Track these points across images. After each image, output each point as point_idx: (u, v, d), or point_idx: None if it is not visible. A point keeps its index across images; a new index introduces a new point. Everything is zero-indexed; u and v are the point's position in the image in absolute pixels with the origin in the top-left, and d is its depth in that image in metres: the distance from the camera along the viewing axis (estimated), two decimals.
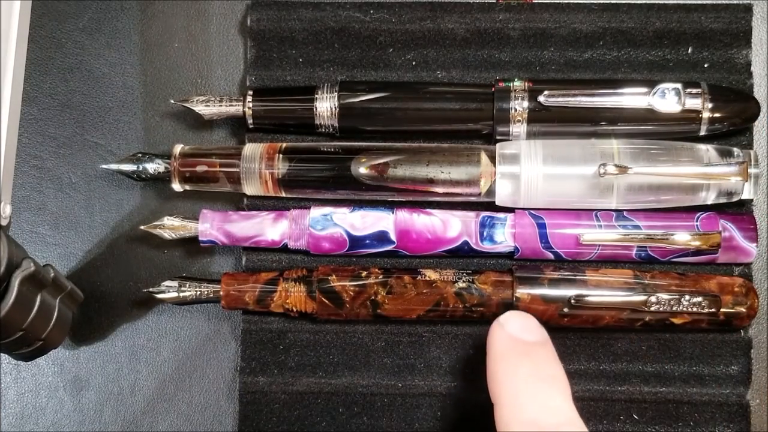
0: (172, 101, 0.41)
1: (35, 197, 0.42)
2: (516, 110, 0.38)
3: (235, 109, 0.40)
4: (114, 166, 0.40)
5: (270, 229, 0.39)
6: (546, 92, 0.38)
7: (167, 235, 0.40)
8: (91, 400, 0.42)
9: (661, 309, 0.37)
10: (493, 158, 0.38)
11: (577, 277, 0.38)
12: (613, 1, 0.41)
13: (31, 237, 0.42)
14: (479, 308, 0.38)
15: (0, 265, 0.32)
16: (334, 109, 0.39)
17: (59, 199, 0.42)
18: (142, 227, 0.40)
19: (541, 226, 0.38)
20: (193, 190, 0.40)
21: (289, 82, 0.41)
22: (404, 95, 0.40)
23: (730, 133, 0.39)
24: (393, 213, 0.39)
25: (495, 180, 0.38)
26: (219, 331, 0.42)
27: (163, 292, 0.39)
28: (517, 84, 0.39)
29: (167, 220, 0.40)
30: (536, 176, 0.38)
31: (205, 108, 0.40)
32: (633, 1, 0.41)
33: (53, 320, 0.36)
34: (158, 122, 0.42)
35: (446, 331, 0.40)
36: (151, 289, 0.39)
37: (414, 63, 0.41)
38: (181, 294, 0.39)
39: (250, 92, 0.40)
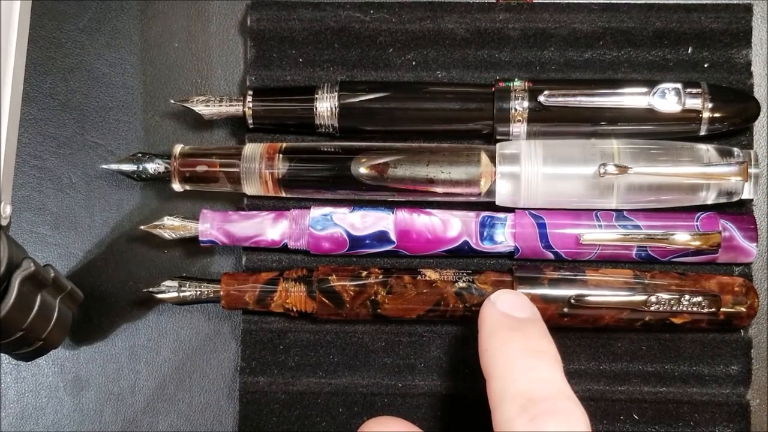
0: (172, 101, 0.41)
1: (35, 197, 0.42)
2: (516, 110, 0.38)
3: (235, 109, 0.40)
4: (114, 166, 0.40)
5: (270, 229, 0.39)
6: (546, 92, 0.38)
7: (167, 235, 0.40)
8: (91, 400, 0.42)
9: (661, 309, 0.37)
10: (493, 158, 0.38)
11: (577, 277, 0.38)
12: (613, 1, 0.41)
13: (31, 237, 0.42)
14: (479, 308, 0.38)
15: (0, 265, 0.32)
16: (334, 109, 0.39)
17: (59, 199, 0.42)
18: (142, 227, 0.40)
19: (541, 226, 0.38)
20: (193, 190, 0.40)
21: (289, 82, 0.41)
22: (404, 95, 0.40)
23: (730, 133, 0.39)
24: (393, 213, 0.39)
25: (495, 180, 0.38)
26: (219, 331, 0.42)
27: (163, 292, 0.39)
28: (517, 84, 0.39)
29: (167, 220, 0.40)
30: (536, 176, 0.38)
31: (205, 108, 0.40)
32: (633, 1, 0.41)
33: (53, 320, 0.36)
34: (158, 122, 0.42)
35: (446, 331, 0.40)
36: (151, 289, 0.39)
37: (414, 63, 0.41)
38: (181, 294, 0.39)
39: (250, 92, 0.40)
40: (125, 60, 0.43)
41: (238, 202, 0.41)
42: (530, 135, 0.39)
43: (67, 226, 0.42)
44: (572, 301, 0.37)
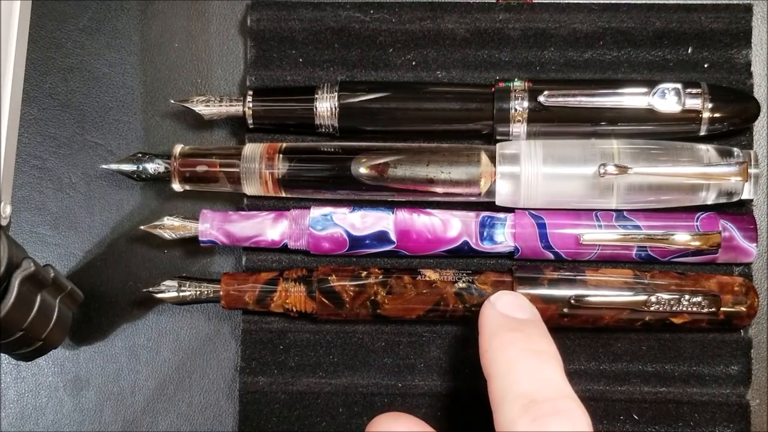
0: (172, 101, 0.41)
1: (35, 197, 0.42)
2: (516, 110, 0.38)
3: (235, 109, 0.40)
4: (114, 166, 0.40)
5: (270, 229, 0.39)
6: (546, 92, 0.38)
7: (167, 235, 0.40)
8: (91, 400, 0.42)
9: (661, 309, 0.37)
10: (493, 158, 0.38)
11: (577, 277, 0.38)
12: (613, 1, 0.41)
13: (31, 237, 0.42)
14: (479, 308, 0.38)
15: (0, 265, 0.32)
16: (334, 109, 0.39)
17: (59, 199, 0.42)
18: (142, 227, 0.40)
19: (541, 226, 0.38)
20: (193, 190, 0.40)
21: (289, 82, 0.41)
22: (404, 95, 0.40)
23: (730, 133, 0.39)
24: (393, 213, 0.39)
25: (495, 180, 0.38)
26: (219, 331, 0.42)
27: (162, 291, 0.39)
28: (517, 84, 0.39)
29: (167, 220, 0.40)
30: (536, 176, 0.38)
31: (205, 108, 0.40)
32: (633, 1, 0.41)
33: (53, 320, 0.36)
34: (158, 122, 0.42)
35: (446, 331, 0.40)
36: (151, 289, 0.39)
37: (414, 63, 0.41)
38: (181, 294, 0.39)
39: (250, 92, 0.40)
40: (125, 60, 0.43)
41: (238, 202, 0.41)
42: (530, 135, 0.39)
43: (67, 226, 0.42)
44: (572, 301, 0.37)
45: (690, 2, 0.41)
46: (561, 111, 0.38)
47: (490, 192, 0.38)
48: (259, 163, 0.39)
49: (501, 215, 0.39)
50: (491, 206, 0.39)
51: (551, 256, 0.39)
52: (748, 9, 0.40)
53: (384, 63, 0.41)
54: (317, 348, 0.40)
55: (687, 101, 0.38)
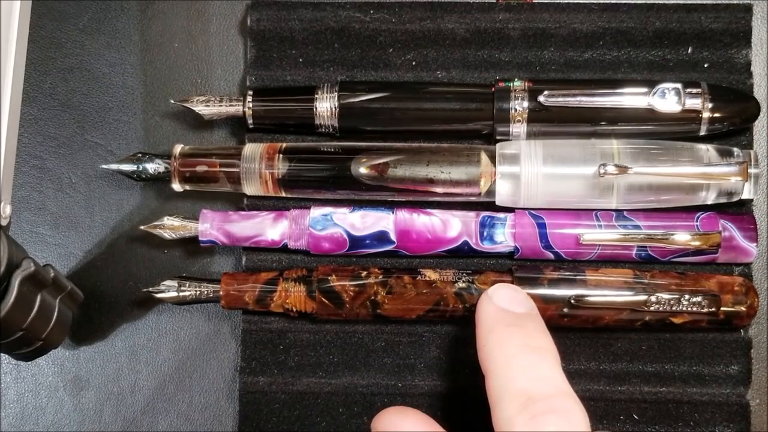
0: (172, 101, 0.41)
1: (35, 197, 0.42)
2: (516, 110, 0.38)
3: (235, 109, 0.40)
4: (114, 166, 0.40)
5: (270, 229, 0.39)
6: (546, 92, 0.38)
7: (167, 235, 0.40)
8: (91, 400, 0.42)
9: (661, 309, 0.37)
10: (493, 158, 0.38)
11: (577, 277, 0.38)
12: (613, 1, 0.41)
13: (31, 237, 0.42)
14: None
15: (0, 265, 0.32)
16: (334, 109, 0.39)
17: (59, 199, 0.42)
18: (142, 227, 0.40)
19: (541, 226, 0.38)
20: (193, 190, 0.40)
21: (289, 82, 0.41)
22: (404, 95, 0.40)
23: (730, 133, 0.39)
24: (393, 213, 0.39)
25: (495, 180, 0.38)
26: (219, 331, 0.42)
27: (162, 291, 0.39)
28: (517, 84, 0.39)
29: (167, 220, 0.40)
30: (536, 176, 0.38)
31: (205, 108, 0.40)
32: (633, 1, 0.41)
33: (53, 320, 0.36)
34: (158, 122, 0.42)
35: (446, 331, 0.40)
36: (150, 289, 0.39)
37: (414, 63, 0.41)
38: (181, 294, 0.39)
39: (250, 92, 0.40)
40: (125, 60, 0.43)
41: (238, 202, 0.41)
42: (530, 135, 0.39)
43: (67, 226, 0.42)
44: (572, 301, 0.37)
45: (690, 2, 0.41)
46: (561, 111, 0.38)
47: (490, 192, 0.38)
48: (259, 163, 0.39)
49: (501, 215, 0.39)
50: (491, 206, 0.39)
51: (551, 256, 0.39)
52: (748, 9, 0.40)
53: (384, 63, 0.41)
54: (317, 348, 0.40)
55: (687, 101, 0.38)
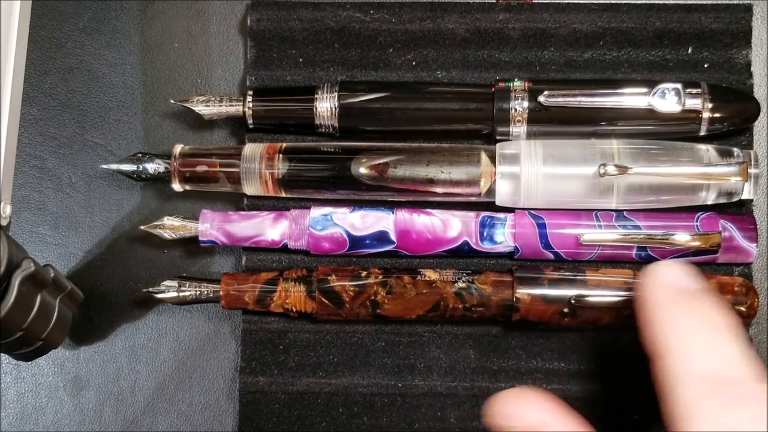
0: (172, 101, 0.41)
1: (35, 197, 0.42)
2: (516, 110, 0.38)
3: (235, 109, 0.40)
4: (114, 166, 0.40)
5: (270, 229, 0.39)
6: (546, 92, 0.38)
7: (167, 235, 0.40)
8: (91, 400, 0.42)
9: None
10: (493, 158, 0.38)
11: (577, 277, 0.38)
12: (613, 1, 0.41)
13: (31, 237, 0.42)
14: (479, 308, 0.38)
15: (0, 265, 0.32)
16: (334, 109, 0.39)
17: (59, 199, 0.42)
18: (142, 227, 0.40)
19: (541, 226, 0.38)
20: (193, 190, 0.40)
21: (289, 82, 0.41)
22: (404, 95, 0.40)
23: (730, 133, 0.39)
24: (393, 213, 0.39)
25: (495, 180, 0.38)
26: (219, 331, 0.42)
27: (162, 292, 0.39)
28: (517, 84, 0.39)
29: (167, 220, 0.40)
30: (536, 176, 0.38)
31: (205, 108, 0.40)
32: (633, 1, 0.41)
33: (53, 320, 0.36)
34: (158, 122, 0.42)
35: (446, 331, 0.40)
36: (150, 289, 0.39)
37: (414, 63, 0.41)
38: (181, 294, 0.39)
39: (250, 92, 0.40)
40: (125, 60, 0.43)
41: (238, 202, 0.41)
42: (530, 135, 0.39)
43: (67, 226, 0.42)
44: (572, 301, 0.37)
45: (690, 2, 0.41)
46: (561, 111, 0.38)
47: (490, 192, 0.38)
48: (259, 163, 0.39)
49: (501, 215, 0.39)
50: (491, 206, 0.39)
51: (551, 256, 0.39)
52: (748, 9, 0.40)
53: (384, 63, 0.41)
54: (317, 348, 0.40)
55: (687, 101, 0.38)
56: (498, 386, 0.39)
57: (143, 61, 0.43)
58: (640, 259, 0.38)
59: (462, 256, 0.39)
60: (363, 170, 0.38)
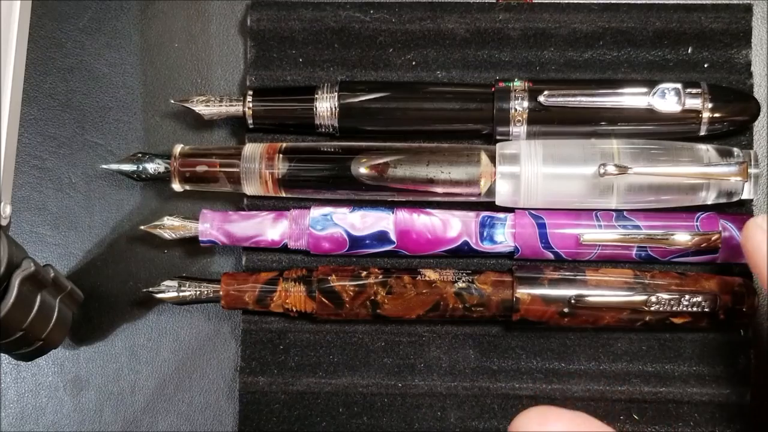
0: (172, 101, 0.41)
1: (35, 197, 0.42)
2: (516, 110, 0.38)
3: (235, 109, 0.40)
4: (114, 166, 0.40)
5: (270, 229, 0.39)
6: (546, 92, 0.38)
7: (167, 235, 0.40)
8: (91, 400, 0.42)
9: (661, 309, 0.37)
10: (493, 158, 0.38)
11: (577, 277, 0.38)
12: (613, 1, 0.41)
13: (31, 237, 0.42)
14: (479, 308, 0.38)
15: (0, 265, 0.32)
16: (334, 109, 0.39)
17: (59, 199, 0.42)
18: (142, 227, 0.40)
19: (541, 226, 0.38)
20: (193, 190, 0.40)
21: (289, 82, 0.41)
22: (404, 95, 0.40)
23: (730, 133, 0.39)
24: (393, 213, 0.39)
25: (495, 180, 0.38)
26: (219, 331, 0.42)
27: (162, 291, 0.39)
28: (517, 84, 0.39)
29: (167, 220, 0.40)
30: (536, 176, 0.38)
31: (205, 108, 0.40)
32: (633, 1, 0.41)
33: (53, 320, 0.36)
34: (158, 122, 0.42)
35: (446, 331, 0.40)
36: (150, 289, 0.39)
37: (414, 63, 0.41)
38: (181, 294, 0.39)
39: (250, 92, 0.40)
40: (125, 60, 0.43)
41: (238, 202, 0.41)
42: (530, 135, 0.39)
43: (67, 226, 0.42)
44: (572, 301, 0.37)
45: (690, 2, 0.41)
46: (561, 111, 0.38)
47: (490, 192, 0.38)
48: (259, 163, 0.39)
49: (501, 215, 0.39)
50: (491, 206, 0.39)
51: (551, 256, 0.39)
52: (748, 9, 0.40)
53: (384, 63, 0.41)
54: (317, 348, 0.40)
55: (687, 101, 0.38)
56: (498, 386, 0.39)
57: (143, 61, 0.43)
58: (640, 259, 0.38)
59: (462, 256, 0.39)
60: (363, 170, 0.38)
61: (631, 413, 0.39)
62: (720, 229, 0.38)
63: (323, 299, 0.38)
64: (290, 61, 0.41)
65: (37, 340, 0.36)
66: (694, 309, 0.37)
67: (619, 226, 0.38)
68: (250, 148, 0.39)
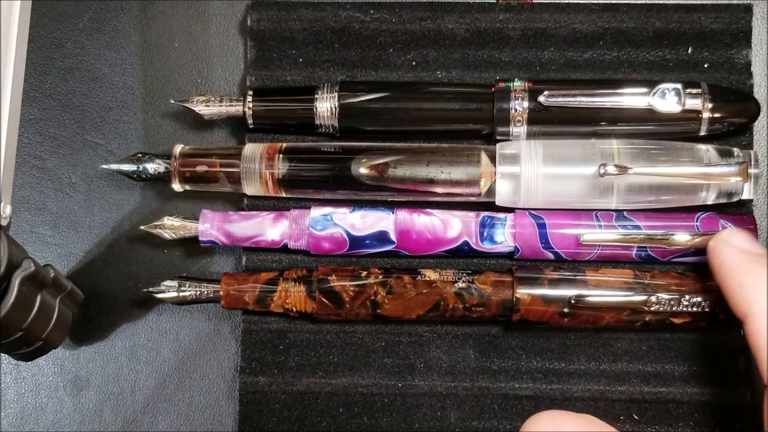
0: (172, 101, 0.41)
1: (35, 197, 0.42)
2: (516, 110, 0.38)
3: (235, 109, 0.40)
4: (114, 166, 0.40)
5: (270, 229, 0.39)
6: (546, 92, 0.38)
7: (167, 235, 0.40)
8: (91, 400, 0.42)
9: (661, 309, 0.37)
10: (493, 158, 0.38)
11: (577, 277, 0.38)
12: (613, 1, 0.41)
13: (31, 237, 0.42)
14: (479, 308, 0.38)
15: (0, 265, 0.32)
16: (334, 109, 0.39)
17: (59, 199, 0.42)
18: (142, 227, 0.40)
19: (541, 226, 0.38)
20: (193, 190, 0.40)
21: (289, 82, 0.41)
22: (404, 95, 0.40)
23: (730, 133, 0.39)
24: (393, 213, 0.39)
25: (495, 180, 0.38)
26: (219, 331, 0.42)
27: (163, 292, 0.39)
28: (517, 84, 0.39)
29: (167, 220, 0.40)
30: (536, 176, 0.38)
31: (205, 108, 0.40)
32: (633, 1, 0.41)
33: (53, 320, 0.36)
34: (158, 122, 0.42)
35: (446, 331, 0.40)
36: (151, 289, 0.39)
37: (414, 63, 0.41)
38: (181, 294, 0.39)
39: (250, 92, 0.40)
40: (125, 60, 0.43)
41: (238, 202, 0.41)
42: (530, 135, 0.39)
43: (67, 226, 0.42)
44: (572, 301, 0.37)
45: (690, 2, 0.41)
46: (561, 111, 0.38)
47: (490, 192, 0.38)
48: (259, 163, 0.39)
49: (501, 215, 0.39)
50: (491, 206, 0.39)
51: (551, 256, 0.39)
52: (748, 9, 0.40)
53: (384, 63, 0.41)
54: (317, 348, 0.40)
55: (687, 101, 0.38)
56: (498, 386, 0.39)
57: (143, 61, 0.43)
58: (640, 259, 0.38)
59: (462, 256, 0.39)
60: (363, 170, 0.38)
61: (631, 413, 0.39)
62: (720, 229, 0.38)
63: (323, 299, 0.38)
64: (290, 61, 0.41)
65: (37, 340, 0.36)
66: (694, 309, 0.37)
67: (619, 226, 0.38)
68: (250, 148, 0.39)
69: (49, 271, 0.36)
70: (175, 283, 0.39)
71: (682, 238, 0.38)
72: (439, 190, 0.38)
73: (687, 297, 0.37)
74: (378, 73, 0.41)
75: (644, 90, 0.38)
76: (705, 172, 0.37)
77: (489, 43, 0.41)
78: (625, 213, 0.38)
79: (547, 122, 0.39)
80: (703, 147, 0.38)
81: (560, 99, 0.38)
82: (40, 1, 0.43)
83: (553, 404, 0.39)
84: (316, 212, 0.39)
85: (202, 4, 0.43)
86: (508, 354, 0.40)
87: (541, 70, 0.41)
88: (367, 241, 0.39)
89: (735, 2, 0.40)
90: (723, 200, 0.38)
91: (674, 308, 0.37)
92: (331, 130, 0.40)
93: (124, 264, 0.42)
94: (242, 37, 0.42)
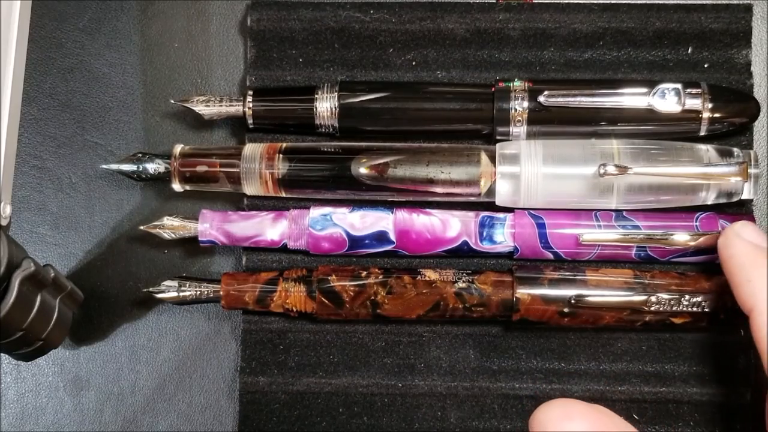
0: (172, 101, 0.41)
1: (35, 197, 0.42)
2: (516, 110, 0.38)
3: (235, 109, 0.40)
4: (114, 166, 0.40)
5: (270, 229, 0.39)
6: (546, 92, 0.38)
7: (167, 235, 0.40)
8: (91, 400, 0.42)
9: (661, 309, 0.37)
10: (493, 158, 0.38)
11: (577, 277, 0.38)
12: (613, 1, 0.41)
13: (31, 237, 0.42)
14: (479, 308, 0.38)
15: (0, 265, 0.32)
16: (334, 109, 0.39)
17: (59, 199, 0.42)
18: (142, 227, 0.40)
19: (541, 226, 0.38)
20: (193, 190, 0.40)
21: (289, 82, 0.41)
22: (404, 95, 0.40)
23: (730, 133, 0.39)
24: (392, 213, 0.39)
25: (495, 180, 0.38)
26: (219, 331, 0.42)
27: (163, 291, 0.39)
28: (517, 84, 0.39)
29: (167, 220, 0.40)
30: (536, 176, 0.38)
31: (205, 108, 0.40)
32: (633, 1, 0.41)
33: (53, 320, 0.36)
34: (158, 122, 0.42)
35: (446, 331, 0.40)
36: (151, 289, 0.39)
37: (414, 63, 0.41)
38: (181, 294, 0.39)
39: (250, 92, 0.40)
40: (125, 60, 0.43)
41: (238, 202, 0.41)
42: (530, 135, 0.39)
43: (67, 226, 0.42)
44: (572, 301, 0.37)
45: (690, 2, 0.41)
46: (561, 111, 0.38)
47: (490, 192, 0.38)
48: (259, 163, 0.39)
49: (500, 215, 0.39)
50: (491, 206, 0.39)
51: (551, 256, 0.39)
52: (748, 9, 0.40)
53: (384, 63, 0.41)
54: (317, 348, 0.40)
55: (687, 101, 0.38)
56: (498, 386, 0.39)
57: (143, 61, 0.43)
58: (640, 259, 0.38)
59: (462, 256, 0.39)
60: (363, 170, 0.38)
61: (631, 413, 0.39)
62: (720, 229, 0.38)
63: (323, 299, 0.38)
64: (290, 61, 0.41)
65: (37, 340, 0.36)
66: (694, 309, 0.37)
67: (619, 226, 0.38)
68: (250, 148, 0.39)
69: (49, 271, 0.36)
70: (175, 283, 0.39)
71: (682, 238, 0.38)
72: (439, 190, 0.38)
73: (687, 297, 0.37)
74: (378, 73, 0.41)
75: (644, 90, 0.38)
76: (705, 172, 0.37)
77: (489, 43, 0.41)
78: (624, 213, 0.38)
79: (547, 122, 0.39)
80: (703, 147, 0.38)
81: (560, 99, 0.38)
82: (40, 1, 0.43)
83: None
84: (316, 212, 0.39)
85: (202, 4, 0.43)
86: (508, 354, 0.40)
87: (541, 70, 0.41)
88: (367, 241, 0.39)
89: (735, 2, 0.40)
90: (723, 200, 0.38)
91: (674, 308, 0.37)
92: (331, 130, 0.40)
93: (124, 264, 0.42)
94: (242, 37, 0.42)
